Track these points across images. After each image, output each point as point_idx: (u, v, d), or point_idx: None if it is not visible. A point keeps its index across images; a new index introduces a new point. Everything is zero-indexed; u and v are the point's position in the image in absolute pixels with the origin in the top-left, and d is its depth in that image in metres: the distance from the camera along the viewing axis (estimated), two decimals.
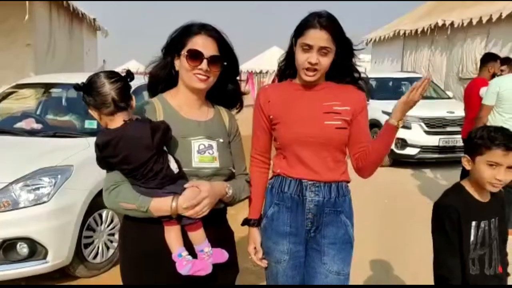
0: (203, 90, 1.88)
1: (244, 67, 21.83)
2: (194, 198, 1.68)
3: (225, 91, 2.00)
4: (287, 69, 2.10)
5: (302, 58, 1.91)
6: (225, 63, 1.88)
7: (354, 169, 2.04)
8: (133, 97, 1.73)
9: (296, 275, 2.06)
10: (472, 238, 1.91)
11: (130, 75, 1.71)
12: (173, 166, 1.72)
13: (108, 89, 1.63)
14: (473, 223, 1.92)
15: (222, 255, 1.80)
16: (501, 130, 1.89)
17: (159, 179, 1.68)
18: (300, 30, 1.92)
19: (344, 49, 1.96)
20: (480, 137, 1.89)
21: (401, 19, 16.77)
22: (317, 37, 1.87)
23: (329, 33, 1.87)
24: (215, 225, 1.85)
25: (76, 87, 1.67)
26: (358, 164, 2.00)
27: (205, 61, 1.79)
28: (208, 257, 1.75)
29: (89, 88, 1.65)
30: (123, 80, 1.68)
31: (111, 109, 1.64)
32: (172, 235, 1.74)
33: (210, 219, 1.76)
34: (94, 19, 14.27)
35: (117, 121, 1.68)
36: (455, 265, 1.92)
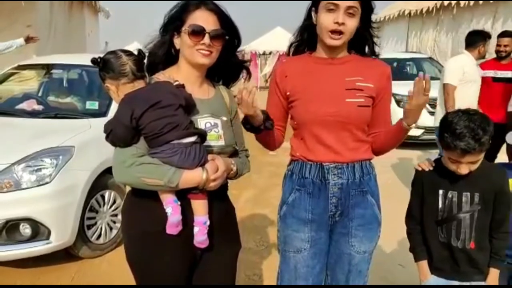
0: (207, 65, 1.85)
1: (247, 48, 21.64)
2: (217, 170, 1.74)
3: (227, 64, 1.97)
4: (302, 45, 2.00)
5: (327, 19, 1.78)
6: (227, 37, 1.86)
7: None
8: (147, 74, 1.81)
9: (316, 264, 1.98)
10: (440, 205, 2.01)
11: (141, 53, 1.79)
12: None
13: (126, 59, 1.72)
14: (440, 192, 2.01)
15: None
16: (465, 128, 1.84)
17: (182, 129, 1.70)
18: None
19: (366, 16, 1.88)
20: (445, 132, 1.89)
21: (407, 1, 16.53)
22: None
23: None
24: (219, 200, 1.88)
25: (94, 61, 1.76)
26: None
27: (207, 36, 1.77)
28: (206, 230, 1.77)
29: (106, 61, 1.73)
30: (135, 55, 1.77)
31: (130, 77, 1.72)
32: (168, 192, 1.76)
33: (214, 194, 1.80)
34: (95, 1, 14.15)
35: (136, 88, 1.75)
36: (408, 223, 2.17)
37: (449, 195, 2.00)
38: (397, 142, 1.96)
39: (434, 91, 6.96)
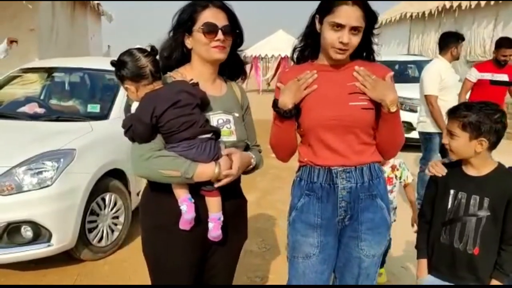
0: (221, 60, 1.92)
1: (248, 52, 21.60)
2: (230, 166, 1.80)
3: (231, 61, 2.02)
4: (306, 49, 2.00)
5: (332, 37, 1.79)
6: (237, 31, 1.94)
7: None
8: (161, 74, 1.86)
9: (325, 270, 1.98)
10: (449, 206, 2.02)
11: (154, 50, 1.84)
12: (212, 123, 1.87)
13: (145, 61, 1.77)
14: (452, 192, 2.03)
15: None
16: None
17: (198, 127, 1.77)
18: (329, 6, 1.79)
19: (369, 25, 1.87)
20: None
21: (408, 1, 16.55)
22: (350, 15, 1.75)
23: (361, 9, 1.77)
24: (231, 194, 1.93)
25: (113, 62, 1.81)
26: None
27: (220, 31, 1.85)
28: (220, 225, 1.85)
29: (125, 64, 1.78)
30: (152, 54, 1.82)
31: (150, 79, 1.78)
32: (182, 187, 1.82)
33: (226, 188, 1.85)
34: (98, 4, 14.22)
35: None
36: (418, 221, 2.22)
37: (459, 196, 1.99)
38: (393, 132, 1.93)
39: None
